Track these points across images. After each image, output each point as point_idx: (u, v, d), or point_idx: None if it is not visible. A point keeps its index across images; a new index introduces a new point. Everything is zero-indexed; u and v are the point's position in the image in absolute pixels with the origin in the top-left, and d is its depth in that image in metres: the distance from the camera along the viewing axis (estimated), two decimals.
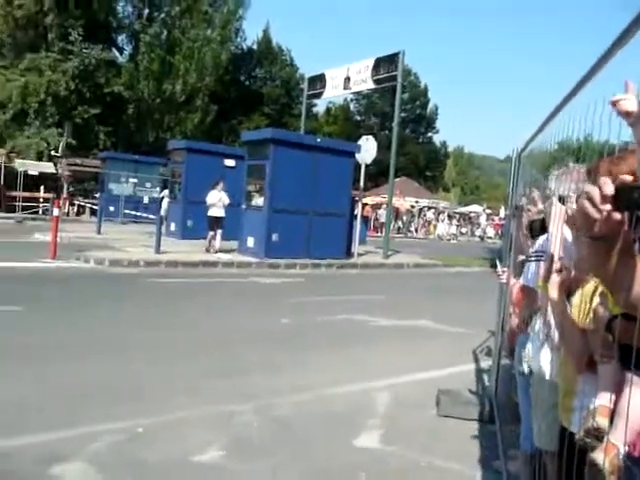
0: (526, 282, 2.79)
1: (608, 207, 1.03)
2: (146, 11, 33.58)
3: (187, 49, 31.96)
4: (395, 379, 5.10)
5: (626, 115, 1.61)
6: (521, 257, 3.49)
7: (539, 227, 2.68)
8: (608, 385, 1.52)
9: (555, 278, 1.89)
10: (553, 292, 1.87)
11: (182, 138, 26.89)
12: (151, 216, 17.87)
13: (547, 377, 2.32)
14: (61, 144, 25.07)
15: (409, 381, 5.11)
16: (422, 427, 4.06)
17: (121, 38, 34.39)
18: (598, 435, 1.48)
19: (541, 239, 2.65)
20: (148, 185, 22.68)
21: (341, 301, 9.01)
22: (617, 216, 1.04)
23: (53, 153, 25.09)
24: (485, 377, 5.24)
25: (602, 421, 1.49)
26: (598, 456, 1.41)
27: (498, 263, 4.17)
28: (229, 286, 10.01)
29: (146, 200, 22.16)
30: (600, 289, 1.63)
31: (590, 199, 1.05)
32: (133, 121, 31.76)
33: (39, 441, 3.28)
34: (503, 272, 3.81)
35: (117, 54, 33.19)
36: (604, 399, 1.52)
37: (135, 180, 22.34)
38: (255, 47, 41.90)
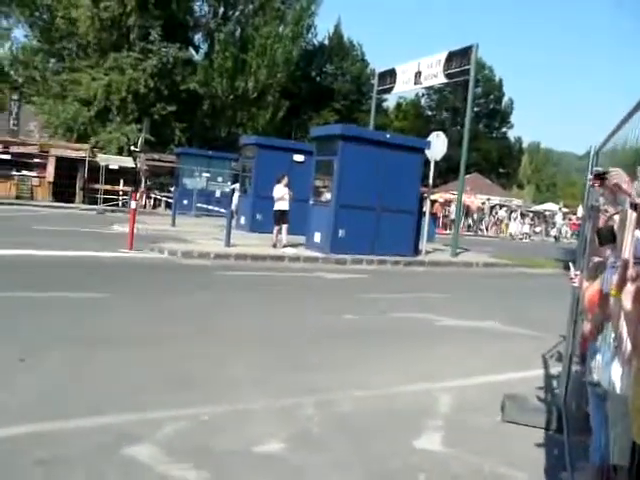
0: (605, 288, 2.65)
1: None
2: (221, 10, 34.53)
3: (259, 46, 32.58)
4: (459, 381, 5.00)
5: None
6: (596, 259, 3.33)
7: (609, 235, 2.51)
8: None
9: (630, 287, 1.79)
10: (627, 302, 1.77)
11: (253, 134, 27.50)
12: (222, 210, 18.40)
13: (618, 391, 2.21)
14: (140, 140, 26.31)
15: (474, 384, 5.00)
16: (485, 431, 3.96)
17: (197, 37, 35.60)
18: None
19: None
20: (220, 179, 23.35)
21: (407, 299, 8.93)
22: None
23: (132, 148, 26.37)
24: (554, 384, 5.03)
25: None
26: None
27: (572, 266, 3.99)
28: (295, 280, 10.16)
29: (218, 194, 22.83)
30: None
31: None
32: (207, 117, 32.80)
33: (113, 422, 3.49)
34: (576, 276, 3.65)
35: (193, 52, 34.37)
36: None
37: (208, 174, 23.08)
38: (326, 42, 42.11)
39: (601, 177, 2.90)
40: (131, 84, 28.27)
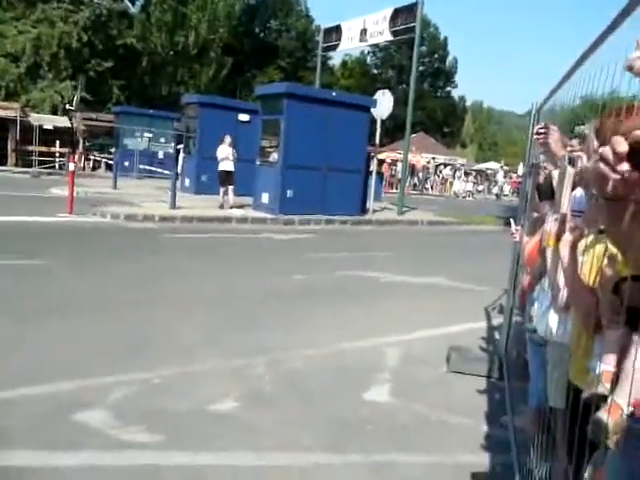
0: (544, 241, 2.76)
1: (625, 166, 1.00)
2: None
3: None
4: (406, 335, 5.16)
5: None
6: (535, 215, 3.45)
7: (549, 190, 2.60)
8: (613, 349, 1.53)
9: (568, 237, 1.87)
10: (564, 251, 1.86)
11: (196, 92, 26.58)
12: (166, 171, 17.91)
13: (555, 338, 2.34)
14: (75, 98, 24.91)
15: (420, 337, 5.17)
16: (432, 382, 4.13)
17: None
18: (602, 399, 1.49)
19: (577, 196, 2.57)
20: (162, 140, 22.57)
21: (354, 257, 9.05)
22: (634, 175, 1.01)
23: (68, 107, 25.00)
24: (496, 334, 5.28)
25: (606, 386, 1.50)
26: (602, 416, 1.43)
27: (512, 222, 4.13)
28: (243, 242, 10.09)
29: (161, 155, 22.12)
30: (609, 251, 1.61)
31: (604, 159, 1.02)
32: (147, 74, 31.41)
33: (62, 390, 3.41)
34: (516, 231, 3.78)
35: (129, 4, 32.53)
36: (608, 363, 1.53)
37: (150, 135, 22.24)
38: None
39: (539, 133, 2.97)
40: (62, 38, 26.57)
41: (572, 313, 2.01)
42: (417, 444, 3.17)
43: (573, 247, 1.89)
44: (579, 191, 2.15)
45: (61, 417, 3.07)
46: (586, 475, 1.79)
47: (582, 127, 3.04)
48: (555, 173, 2.47)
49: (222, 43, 33.11)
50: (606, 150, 0.99)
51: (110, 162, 21.68)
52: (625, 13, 1.50)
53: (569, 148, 2.94)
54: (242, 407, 3.44)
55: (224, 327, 4.97)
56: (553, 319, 2.34)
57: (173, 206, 11.99)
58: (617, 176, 1.01)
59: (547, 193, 2.63)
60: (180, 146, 18.79)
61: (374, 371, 4.23)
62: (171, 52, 31.27)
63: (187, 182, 16.84)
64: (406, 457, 3.01)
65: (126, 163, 20.88)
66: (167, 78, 32.17)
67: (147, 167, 20.97)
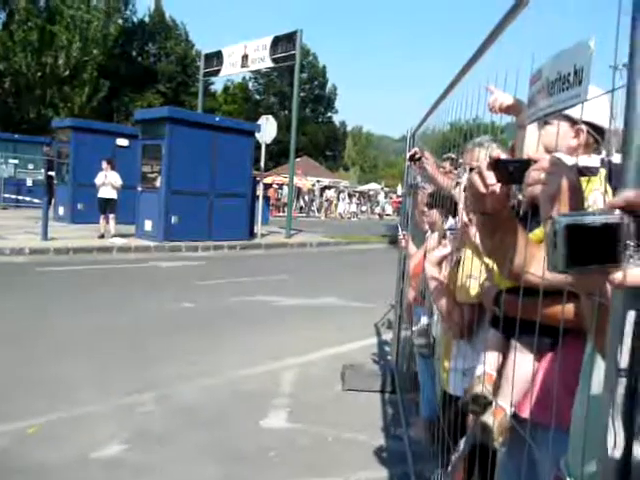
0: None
1: (493, 181, 1.10)
2: None
3: (70, 18, 29.58)
4: (301, 357, 5.16)
5: (508, 110, 1.75)
6: (426, 227, 3.64)
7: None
8: (492, 353, 1.63)
9: (435, 254, 1.99)
10: (430, 268, 1.96)
11: (68, 115, 25.04)
12: (36, 200, 16.57)
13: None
14: None
15: (315, 358, 5.19)
16: (328, 402, 4.15)
17: None
18: (485, 402, 1.58)
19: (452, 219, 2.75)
20: (31, 167, 20.91)
21: (245, 282, 8.94)
22: (500, 190, 1.12)
23: None
24: (387, 349, 5.45)
25: (488, 388, 1.59)
26: (488, 419, 1.51)
27: (399, 227, 4.31)
28: (128, 272, 9.57)
29: (29, 183, 20.46)
30: (482, 266, 1.73)
31: (479, 174, 1.11)
32: (11, 97, 29.06)
33: None
34: (404, 235, 3.94)
35: None
36: (488, 367, 1.62)
37: (16, 161, 20.52)
38: (147, 20, 39.74)
39: (414, 159, 3.18)
40: None
41: (442, 324, 2.13)
42: (317, 467, 3.15)
43: (439, 264, 2.02)
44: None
45: None
46: (450, 468, 1.88)
47: (450, 153, 3.31)
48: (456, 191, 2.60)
49: (97, 65, 31.62)
50: (482, 164, 1.10)
51: None
52: (488, 42, 1.63)
53: (441, 169, 3.16)
54: (132, 449, 3.21)
55: (108, 363, 4.63)
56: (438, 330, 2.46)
57: (45, 237, 11.10)
58: (486, 190, 1.12)
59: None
60: (52, 172, 17.53)
61: (271, 396, 4.16)
62: (39, 73, 29.25)
63: (61, 211, 15.70)
64: None
65: None
66: (35, 101, 29.98)
67: (13, 196, 19.27)
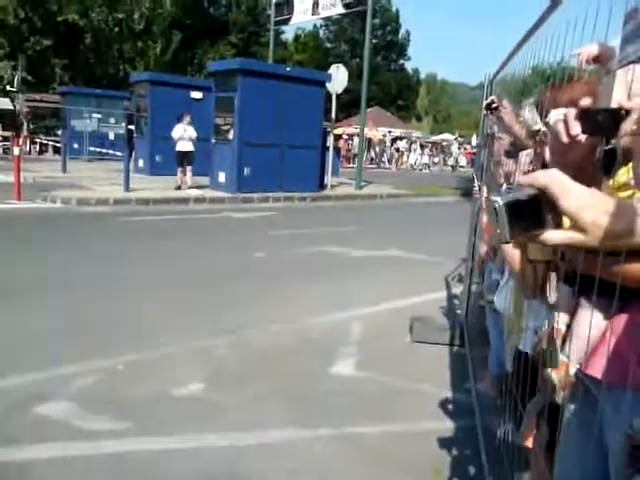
0: None
1: (578, 131, 1.03)
2: None
3: None
4: (369, 308, 5.23)
5: (596, 60, 1.62)
6: (493, 184, 3.52)
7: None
8: (562, 309, 1.58)
9: None
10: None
11: (144, 70, 25.72)
12: (118, 153, 17.34)
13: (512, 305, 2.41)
14: (16, 78, 23.75)
15: (383, 309, 5.24)
16: (395, 353, 4.20)
17: None
18: (551, 357, 1.55)
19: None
20: (112, 121, 21.81)
21: (315, 233, 9.06)
22: (585, 141, 1.05)
23: (8, 88, 23.81)
24: (457, 303, 5.41)
25: (556, 343, 1.55)
26: (551, 373, 1.49)
27: (475, 178, 4.18)
28: (202, 222, 9.94)
29: (112, 136, 21.40)
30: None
31: (564, 122, 1.04)
32: (91, 52, 30.12)
33: (20, 384, 3.30)
34: (479, 187, 3.83)
35: None
36: (557, 322, 1.58)
37: (99, 116, 21.46)
38: None
39: (490, 107, 3.03)
40: None
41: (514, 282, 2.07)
42: (385, 414, 3.23)
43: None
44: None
45: (23, 411, 2.98)
46: (522, 427, 1.87)
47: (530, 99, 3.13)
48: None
49: (169, 18, 32.01)
50: (569, 112, 1.02)
51: (58, 145, 20.83)
52: None
53: (521, 119, 3.00)
54: (208, 388, 3.42)
55: (186, 308, 4.90)
56: (512, 287, 2.40)
57: (127, 188, 11.67)
58: (569, 141, 1.05)
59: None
60: (131, 126, 18.21)
61: (340, 345, 4.27)
62: (116, 28, 30.03)
63: (141, 163, 16.39)
64: (375, 428, 3.06)
65: (75, 145, 20.13)
66: (113, 56, 30.97)
67: (98, 149, 20.25)
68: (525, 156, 2.05)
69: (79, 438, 2.78)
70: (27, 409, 3.00)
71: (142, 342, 4.06)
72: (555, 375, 1.47)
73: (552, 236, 0.87)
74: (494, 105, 2.99)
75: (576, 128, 1.03)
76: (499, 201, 0.83)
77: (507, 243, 0.87)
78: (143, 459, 2.66)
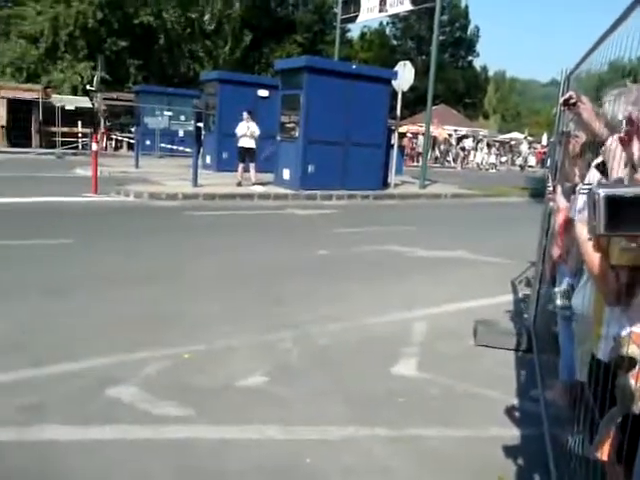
0: (573, 214, 2.69)
1: None
2: None
3: None
4: (432, 309, 5.14)
5: None
6: (567, 184, 3.36)
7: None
8: None
9: (585, 215, 1.81)
10: (582, 229, 1.80)
11: (214, 69, 26.42)
12: (187, 149, 17.93)
13: (585, 311, 2.29)
14: (95, 78, 25.03)
15: (446, 311, 5.14)
16: (459, 356, 4.11)
17: None
18: (630, 362, 1.46)
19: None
20: (182, 118, 22.57)
21: (378, 232, 9.00)
22: None
23: (88, 87, 25.10)
24: (523, 307, 5.22)
25: (634, 349, 1.47)
26: (629, 381, 1.41)
27: (549, 177, 4.00)
28: (267, 218, 10.10)
29: (181, 133, 22.14)
30: None
31: None
32: (164, 52, 31.24)
33: (93, 366, 3.48)
34: (553, 187, 3.64)
35: None
36: (636, 327, 1.49)
37: (169, 113, 22.26)
38: None
39: (568, 103, 2.89)
40: (79, 17, 26.49)
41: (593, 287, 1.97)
42: (447, 418, 3.16)
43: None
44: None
45: (94, 393, 3.14)
46: (596, 438, 1.77)
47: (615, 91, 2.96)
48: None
49: (239, 19, 32.70)
50: None
51: (132, 141, 21.79)
52: None
53: (600, 114, 2.85)
54: (270, 381, 3.47)
55: (251, 303, 5.00)
56: (587, 292, 2.29)
57: (195, 184, 12.03)
58: None
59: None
60: (200, 124, 18.78)
61: (402, 345, 4.22)
62: (187, 29, 31.00)
63: (208, 159, 16.86)
64: (436, 431, 3.01)
65: (147, 142, 20.98)
66: (184, 55, 31.99)
67: (168, 145, 21.02)
68: (615, 142, 1.92)
69: (144, 422, 2.90)
70: (98, 392, 3.16)
71: (207, 334, 4.17)
72: (633, 383, 1.39)
73: None
74: (572, 101, 2.85)
75: None
76: (600, 192, 0.81)
77: (600, 236, 0.84)
78: (204, 447, 2.73)
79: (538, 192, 4.37)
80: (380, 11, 17.79)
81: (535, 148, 35.38)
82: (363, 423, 3.03)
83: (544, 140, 33.32)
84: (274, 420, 2.99)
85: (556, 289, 3.11)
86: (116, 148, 24.40)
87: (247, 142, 12.75)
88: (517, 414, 3.26)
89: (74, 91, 26.03)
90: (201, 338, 4.06)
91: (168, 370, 3.52)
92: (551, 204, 3.70)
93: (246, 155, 12.88)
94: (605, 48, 2.51)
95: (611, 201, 0.79)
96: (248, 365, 3.67)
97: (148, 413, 2.98)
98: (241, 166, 12.95)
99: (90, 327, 4.14)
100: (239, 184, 12.83)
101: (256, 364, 3.70)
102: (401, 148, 20.12)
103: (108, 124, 24.98)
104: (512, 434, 3.02)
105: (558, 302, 3.00)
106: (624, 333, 1.54)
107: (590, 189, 0.83)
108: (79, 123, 23.69)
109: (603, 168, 2.05)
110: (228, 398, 3.23)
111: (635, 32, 1.75)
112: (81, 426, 2.81)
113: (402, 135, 25.19)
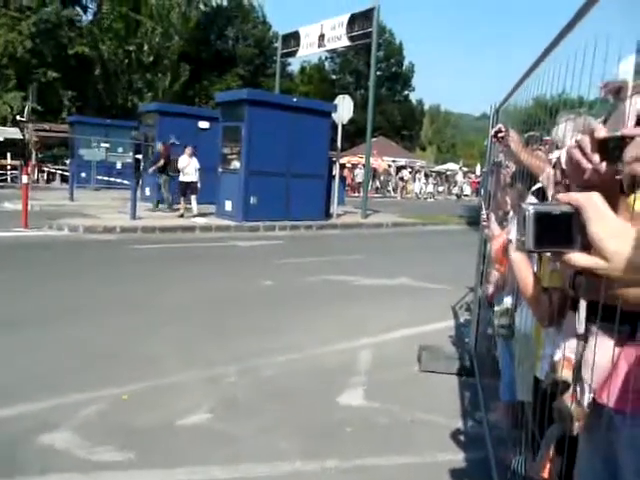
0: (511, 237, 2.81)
1: (596, 157, 1.04)
2: None
3: (154, 6, 30.72)
4: (378, 337, 5.18)
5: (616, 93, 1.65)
6: (500, 212, 3.51)
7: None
8: (573, 338, 1.56)
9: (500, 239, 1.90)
10: (514, 252, 1.88)
11: (153, 101, 26.15)
12: (125, 181, 17.49)
13: (524, 331, 2.38)
14: (26, 108, 24.20)
15: (391, 338, 5.19)
16: (405, 382, 4.14)
17: None
18: (564, 385, 1.52)
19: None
20: (120, 150, 22.10)
21: (322, 262, 9.04)
22: (603, 166, 1.05)
23: (18, 118, 24.22)
24: (465, 332, 5.35)
25: (566, 373, 1.53)
26: (564, 403, 1.46)
27: (482, 206, 4.16)
28: (209, 250, 9.95)
29: (119, 165, 21.65)
30: None
31: (580, 148, 1.05)
32: (101, 83, 30.71)
33: (25, 411, 3.26)
34: (487, 215, 3.79)
35: (81, 12, 31.77)
36: (568, 351, 1.56)
37: (107, 145, 21.76)
38: (225, 3, 40.43)
39: (498, 136, 3.05)
40: (7, 46, 25.68)
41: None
42: (394, 445, 3.16)
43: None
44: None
45: (27, 441, 2.94)
46: (537, 458, 1.82)
47: (532, 132, 3.16)
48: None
49: (178, 51, 32.71)
50: (583, 139, 1.03)
51: (65, 174, 21.08)
52: (577, 17, 1.53)
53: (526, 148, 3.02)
54: (215, 418, 3.37)
55: (194, 336, 4.87)
56: (525, 313, 2.38)
57: (134, 217, 11.74)
58: (590, 165, 1.05)
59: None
60: (139, 155, 18.46)
61: (348, 374, 4.21)
62: (125, 60, 30.69)
63: (147, 191, 16.52)
64: (385, 459, 3.00)
65: (83, 174, 20.36)
66: (122, 87, 31.55)
67: (105, 178, 20.45)
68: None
69: (82, 470, 2.73)
70: (32, 438, 2.96)
71: (147, 371, 4.02)
72: (568, 405, 1.44)
73: (578, 258, 0.85)
74: (501, 135, 3.02)
75: (595, 157, 1.03)
76: (530, 209, 0.82)
77: (530, 252, 0.86)
78: None
79: (474, 220, 4.55)
80: (319, 46, 18.27)
81: (470, 178, 36.89)
82: (313, 456, 2.98)
83: (478, 170, 34.81)
84: (220, 459, 2.90)
85: (496, 308, 3.21)
86: (48, 181, 23.49)
87: (187, 177, 12.75)
88: (462, 438, 3.30)
89: (4, 122, 25.05)
90: (142, 376, 3.90)
91: (107, 412, 3.35)
92: (486, 231, 3.84)
93: (187, 189, 12.82)
94: (530, 83, 2.67)
95: (540, 217, 0.82)
96: (192, 402, 3.55)
97: (85, 459, 2.81)
98: (182, 199, 12.86)
99: (21, 370, 3.90)
100: (181, 216, 12.65)
101: (200, 400, 3.58)
102: (343, 179, 20.48)
103: (40, 156, 24.09)
104: (458, 458, 3.05)
105: (496, 321, 3.09)
106: (557, 358, 1.60)
107: (520, 205, 0.86)
108: (8, 155, 22.72)
109: (544, 195, 2.17)
110: (170, 438, 3.10)
111: (556, 69, 1.87)
112: (17, 478, 2.61)
113: (342, 166, 25.68)
